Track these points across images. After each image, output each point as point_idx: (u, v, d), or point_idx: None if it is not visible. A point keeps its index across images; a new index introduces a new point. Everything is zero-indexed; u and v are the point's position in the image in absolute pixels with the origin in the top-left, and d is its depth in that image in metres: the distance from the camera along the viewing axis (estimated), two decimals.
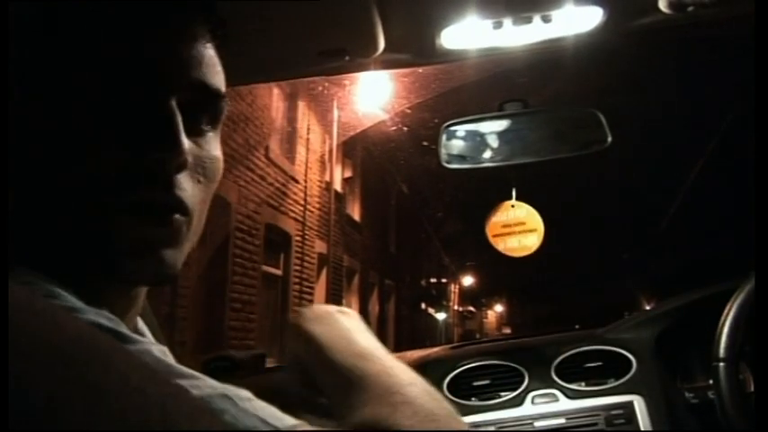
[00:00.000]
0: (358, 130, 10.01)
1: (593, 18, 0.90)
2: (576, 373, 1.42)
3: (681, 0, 0.85)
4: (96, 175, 0.49)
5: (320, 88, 8.96)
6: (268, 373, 1.69)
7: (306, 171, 10.06)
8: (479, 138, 1.41)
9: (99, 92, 0.50)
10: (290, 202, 9.47)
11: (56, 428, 0.17)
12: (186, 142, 0.51)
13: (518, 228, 1.90)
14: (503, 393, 1.40)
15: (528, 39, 0.93)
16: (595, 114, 1.36)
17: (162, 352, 0.45)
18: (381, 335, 16.69)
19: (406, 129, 9.74)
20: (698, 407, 1.33)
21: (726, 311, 1.18)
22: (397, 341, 16.68)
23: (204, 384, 0.43)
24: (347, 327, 0.60)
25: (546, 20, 0.88)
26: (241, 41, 0.82)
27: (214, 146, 0.58)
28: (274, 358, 8.49)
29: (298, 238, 9.77)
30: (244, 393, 0.44)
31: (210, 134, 0.57)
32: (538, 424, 1.37)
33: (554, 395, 1.39)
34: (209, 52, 0.56)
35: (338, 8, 0.78)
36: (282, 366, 2.16)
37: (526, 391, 1.40)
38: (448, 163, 1.40)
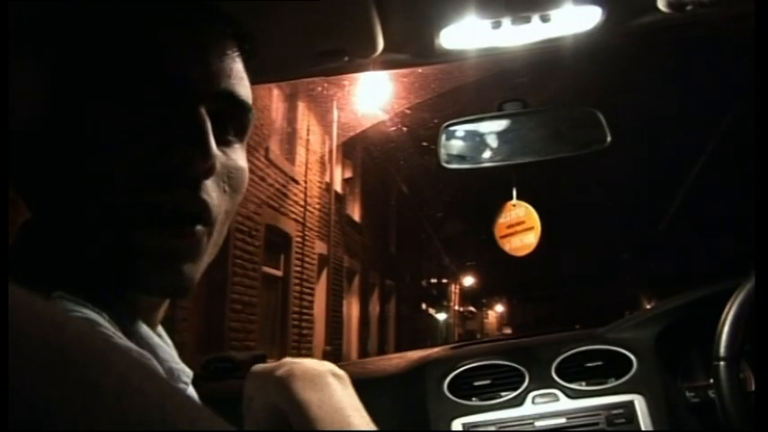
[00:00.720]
0: (358, 131, 10.01)
1: (592, 17, 0.90)
2: (577, 372, 1.42)
3: None
4: (125, 175, 0.50)
5: (320, 89, 8.96)
6: None
7: (306, 172, 10.06)
8: (479, 138, 1.41)
9: (132, 100, 0.51)
10: (291, 202, 9.47)
11: (55, 429, 0.17)
12: (215, 147, 0.52)
13: (519, 227, 1.90)
14: (503, 393, 1.40)
15: (527, 38, 0.93)
16: (595, 114, 1.36)
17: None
18: (382, 335, 16.75)
19: (405, 129, 9.74)
20: (699, 406, 1.33)
21: (726, 310, 1.18)
22: (397, 341, 16.68)
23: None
24: (341, 398, 0.55)
25: (545, 19, 0.88)
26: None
27: (240, 156, 0.59)
28: (275, 359, 8.47)
29: (298, 239, 9.77)
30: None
31: (237, 145, 0.59)
32: (538, 424, 1.37)
33: (554, 395, 1.39)
34: (238, 66, 0.57)
35: (337, 9, 0.78)
36: None
37: (527, 391, 1.40)
38: (447, 163, 1.39)
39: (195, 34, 0.55)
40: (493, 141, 1.41)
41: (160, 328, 0.61)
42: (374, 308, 15.06)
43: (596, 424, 1.35)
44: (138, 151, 0.50)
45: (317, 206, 10.69)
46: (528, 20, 0.88)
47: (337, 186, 11.80)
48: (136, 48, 0.52)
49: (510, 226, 1.91)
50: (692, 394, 1.35)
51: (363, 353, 13.44)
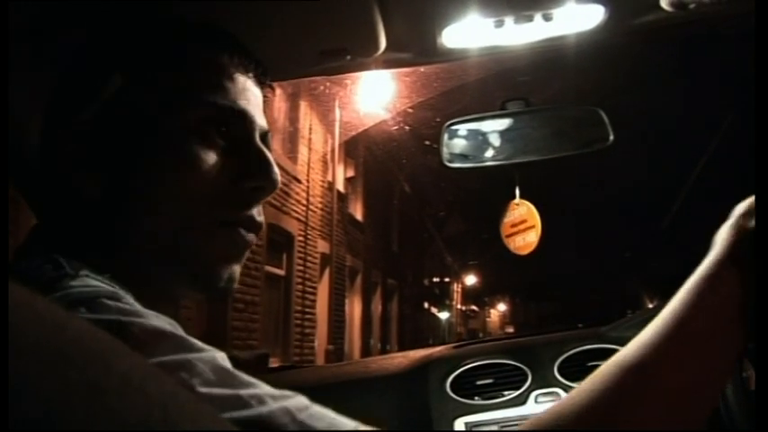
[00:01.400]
0: (360, 130, 9.99)
1: (594, 16, 0.90)
2: (579, 371, 1.41)
3: None
4: (204, 195, 0.59)
5: (322, 88, 8.94)
6: (271, 374, 1.69)
7: (308, 171, 10.06)
8: (481, 137, 1.41)
9: (205, 130, 0.61)
10: (293, 202, 9.47)
11: (56, 429, 0.17)
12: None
13: (522, 226, 1.90)
14: (506, 392, 1.40)
15: (529, 37, 0.93)
16: (597, 113, 1.36)
17: (223, 359, 0.48)
18: (384, 334, 16.73)
19: (407, 128, 9.72)
20: None
21: None
22: (400, 340, 16.69)
23: (264, 394, 0.44)
24: None
25: (547, 18, 0.88)
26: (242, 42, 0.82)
27: None
28: (277, 358, 8.50)
29: (300, 238, 9.77)
30: (301, 402, 0.45)
31: None
32: None
33: (557, 394, 1.39)
34: (261, 99, 0.68)
35: (339, 8, 0.78)
36: (285, 366, 2.16)
37: (529, 390, 1.39)
38: (450, 162, 1.39)
39: (243, 78, 0.65)
40: (495, 140, 1.41)
41: None
42: (376, 307, 15.06)
43: None
44: (220, 174, 0.60)
45: (320, 205, 10.69)
46: (530, 18, 0.88)
47: (339, 185, 11.80)
48: (211, 89, 0.62)
49: (514, 225, 1.91)
50: None
51: (366, 352, 13.45)
